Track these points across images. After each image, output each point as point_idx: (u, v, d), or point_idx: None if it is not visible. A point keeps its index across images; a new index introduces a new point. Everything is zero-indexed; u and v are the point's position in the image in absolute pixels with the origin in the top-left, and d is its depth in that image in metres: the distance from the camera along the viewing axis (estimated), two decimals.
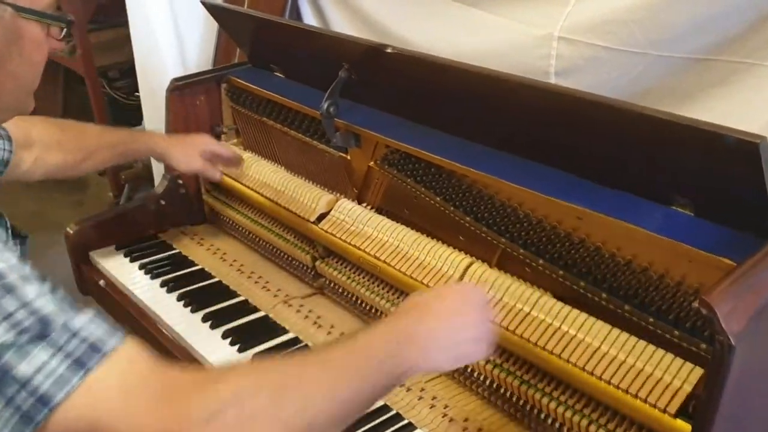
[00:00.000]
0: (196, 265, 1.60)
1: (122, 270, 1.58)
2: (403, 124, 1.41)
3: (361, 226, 1.38)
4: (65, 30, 0.88)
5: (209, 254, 1.65)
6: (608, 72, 1.38)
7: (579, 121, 1.09)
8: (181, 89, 1.70)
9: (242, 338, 1.35)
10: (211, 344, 1.35)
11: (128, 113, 3.38)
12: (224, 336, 1.36)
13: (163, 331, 1.41)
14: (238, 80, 1.69)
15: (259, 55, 1.73)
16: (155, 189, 1.75)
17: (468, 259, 1.23)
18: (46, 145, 1.38)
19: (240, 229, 1.69)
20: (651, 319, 1.04)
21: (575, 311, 1.09)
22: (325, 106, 1.39)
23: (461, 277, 1.22)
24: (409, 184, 1.37)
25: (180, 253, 1.65)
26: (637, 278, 1.06)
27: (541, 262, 1.16)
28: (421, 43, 1.77)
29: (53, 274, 0.72)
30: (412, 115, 1.40)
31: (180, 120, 1.72)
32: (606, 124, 1.06)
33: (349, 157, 1.50)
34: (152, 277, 1.55)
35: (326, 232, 1.42)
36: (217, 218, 1.77)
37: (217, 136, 1.78)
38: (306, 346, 1.34)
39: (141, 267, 1.59)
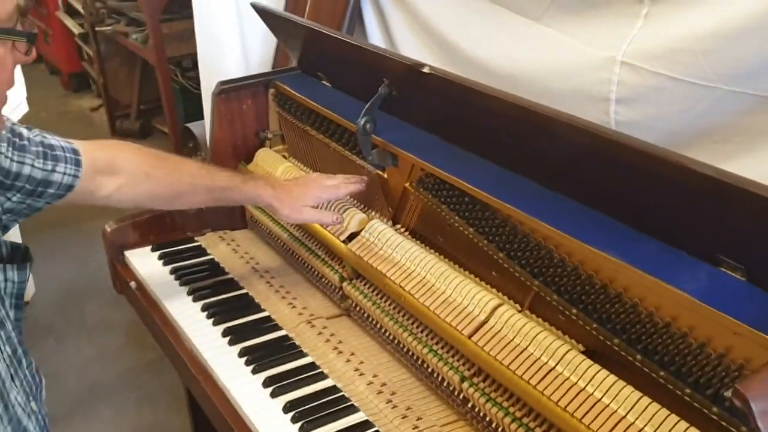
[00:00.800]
0: (227, 273, 1.57)
1: (152, 273, 1.56)
2: (442, 147, 1.33)
3: (390, 251, 1.31)
4: (30, 45, 0.85)
5: (242, 262, 1.62)
6: (672, 104, 1.26)
7: (626, 167, 0.99)
8: (227, 92, 1.67)
9: (258, 358, 1.30)
10: (226, 362, 1.30)
11: (198, 103, 3.42)
12: (240, 354, 1.31)
13: (183, 342, 1.38)
14: (284, 86, 1.65)
15: (307, 62, 1.68)
16: None
17: (496, 300, 1.15)
18: (133, 175, 1.29)
19: (276, 239, 1.64)
20: (687, 390, 0.92)
21: (603, 372, 0.99)
22: (362, 122, 1.32)
23: (487, 319, 1.13)
24: (443, 211, 1.29)
25: (213, 259, 1.62)
26: (675, 343, 0.95)
27: (574, 311, 1.06)
28: (481, 55, 1.68)
29: None
30: (453, 138, 1.32)
31: (225, 124, 1.69)
32: (655, 173, 0.95)
33: (386, 176, 1.43)
34: (181, 284, 1.52)
35: (354, 253, 1.35)
36: (256, 226, 1.73)
37: (262, 142, 1.75)
38: (322, 372, 1.28)
39: (172, 272, 1.56)
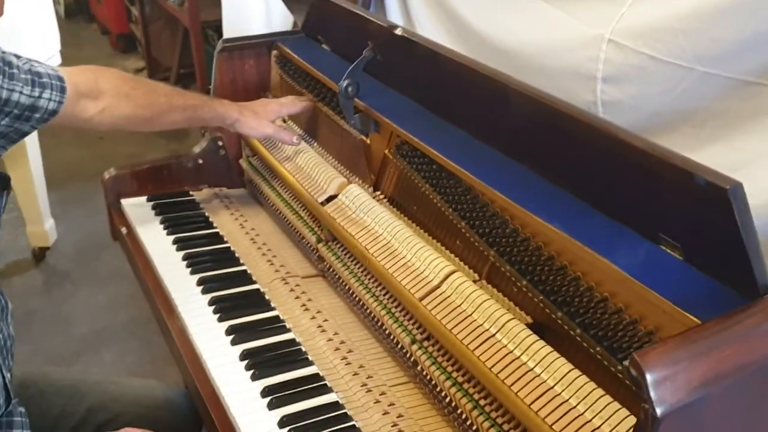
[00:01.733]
0: (214, 228, 1.61)
1: (143, 220, 1.61)
2: (422, 115, 1.34)
3: (361, 215, 1.33)
4: None
5: (231, 219, 1.65)
6: (653, 84, 1.24)
7: (578, 141, 0.98)
8: (230, 51, 1.70)
9: (225, 308, 1.34)
10: (196, 308, 1.35)
11: None
12: (210, 303, 1.35)
13: (160, 285, 1.43)
14: (285, 48, 1.67)
15: (309, 26, 1.70)
16: (194, 148, 1.77)
17: (450, 267, 1.15)
18: (115, 96, 1.37)
19: (266, 198, 1.68)
20: (620, 367, 0.92)
21: (540, 343, 0.99)
22: (344, 85, 1.34)
23: (439, 285, 1.14)
24: (416, 179, 1.30)
25: (203, 213, 1.66)
26: (610, 318, 0.95)
27: (524, 282, 1.07)
28: (486, 29, 1.68)
29: None
30: (431, 105, 1.32)
31: (227, 83, 1.72)
32: (603, 148, 0.94)
33: (369, 141, 1.44)
34: (168, 233, 1.57)
35: (329, 214, 1.37)
36: (251, 185, 1.77)
37: None
38: (284, 326, 1.31)
39: (162, 221, 1.61)
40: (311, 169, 1.50)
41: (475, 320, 1.07)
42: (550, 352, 0.98)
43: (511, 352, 1.01)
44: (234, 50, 1.70)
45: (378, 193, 1.42)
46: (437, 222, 1.27)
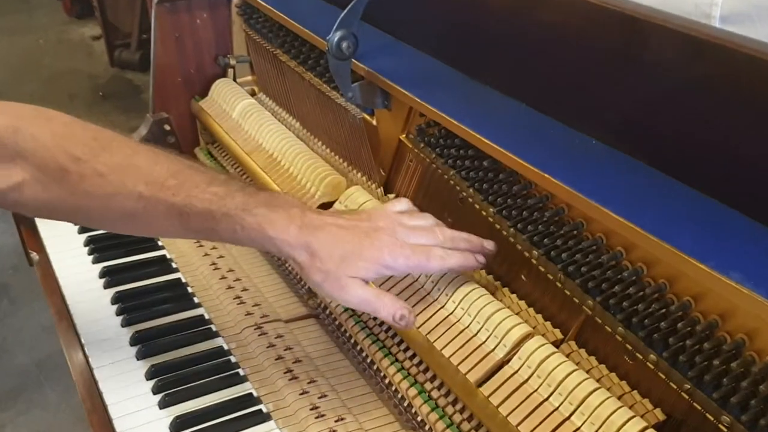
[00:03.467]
0: (160, 248, 1.15)
1: (62, 243, 1.15)
2: (456, 80, 0.89)
3: None
4: None
5: None
6: None
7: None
8: (172, 2, 1.23)
9: (169, 384, 0.89)
10: (130, 384, 0.90)
11: None
12: (150, 375, 0.91)
13: (76, 343, 0.98)
14: None
15: None
16: (132, 134, 1.31)
17: (523, 329, 0.71)
18: (42, 168, 0.76)
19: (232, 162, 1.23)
20: None
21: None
22: (335, 39, 0.88)
23: (508, 357, 0.71)
24: (452, 179, 0.85)
25: None
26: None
27: (653, 356, 0.63)
28: None
29: None
30: (472, 66, 0.87)
31: (170, 45, 1.26)
32: None
33: (374, 121, 0.99)
34: (95, 260, 1.11)
35: None
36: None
37: (224, 71, 1.31)
38: (261, 412, 0.87)
39: (88, 242, 1.15)
40: (291, 162, 1.05)
41: (568, 420, 0.64)
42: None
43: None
44: (180, 0, 1.23)
45: (391, 196, 0.98)
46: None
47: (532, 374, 0.68)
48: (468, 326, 0.75)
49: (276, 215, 0.74)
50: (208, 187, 0.75)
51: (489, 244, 0.78)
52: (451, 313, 0.77)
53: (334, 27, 0.87)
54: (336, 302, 0.91)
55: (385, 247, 0.73)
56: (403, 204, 0.82)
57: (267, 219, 0.73)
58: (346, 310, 0.92)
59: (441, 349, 0.75)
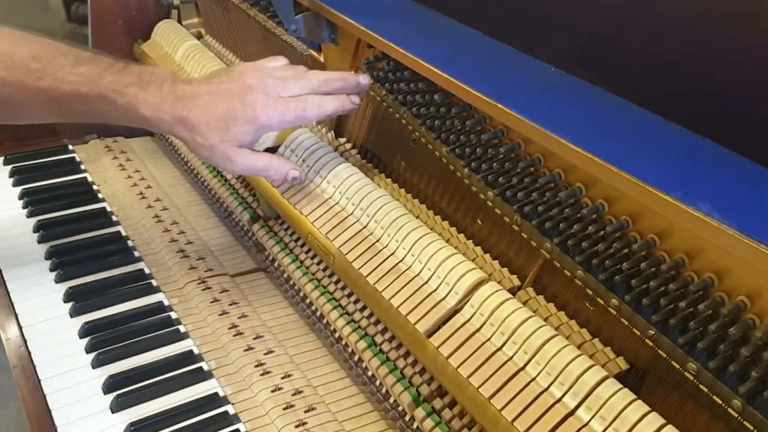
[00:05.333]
0: (100, 200, 1.08)
1: None
2: (409, 10, 0.82)
3: (318, 179, 0.82)
4: None
5: (127, 185, 1.11)
6: None
7: None
8: None
9: (104, 341, 0.83)
10: (63, 341, 0.84)
11: None
12: (83, 333, 0.84)
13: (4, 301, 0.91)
14: None
15: None
16: None
17: (476, 274, 0.66)
18: None
19: (178, 154, 1.15)
20: None
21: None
22: None
23: (460, 305, 0.65)
24: (403, 117, 0.79)
25: (86, 179, 1.13)
26: None
27: (615, 301, 0.58)
28: None
29: None
30: None
31: None
32: None
33: (322, 58, 0.92)
34: (30, 214, 1.04)
35: (265, 181, 0.86)
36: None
37: (167, 11, 1.23)
38: (201, 369, 0.81)
39: (22, 195, 1.08)
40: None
41: (523, 371, 0.59)
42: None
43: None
44: None
45: (342, 141, 0.91)
46: (443, 188, 0.77)
47: (485, 323, 0.62)
48: (419, 274, 0.69)
49: (147, 93, 0.73)
50: (74, 68, 0.73)
51: (364, 79, 0.77)
52: (401, 261, 0.71)
53: None
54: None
55: (258, 105, 0.72)
56: (279, 60, 0.79)
57: (139, 98, 0.73)
58: (294, 261, 0.86)
59: (390, 299, 0.69)
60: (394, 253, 0.72)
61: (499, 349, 0.61)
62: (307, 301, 0.86)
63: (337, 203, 0.79)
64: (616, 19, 0.60)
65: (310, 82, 0.74)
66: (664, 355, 0.55)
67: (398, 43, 0.74)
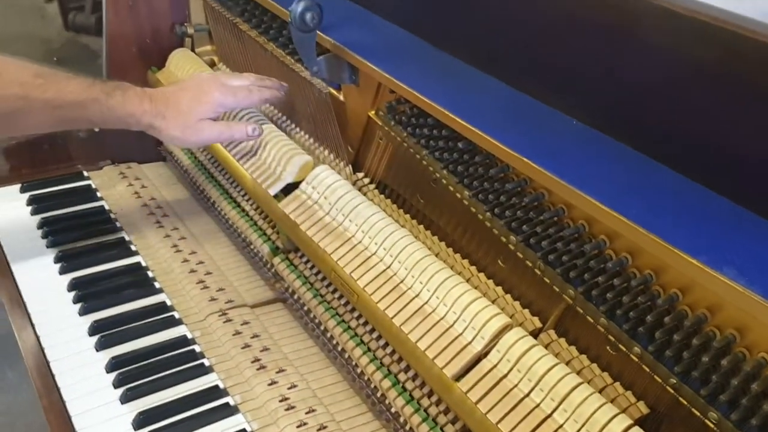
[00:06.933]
0: (118, 230, 1.09)
1: (12, 226, 1.09)
2: (429, 55, 0.84)
3: (339, 215, 0.84)
4: None
5: (144, 214, 1.14)
6: None
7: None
8: None
9: (131, 376, 0.85)
10: (87, 377, 0.86)
11: None
12: (110, 368, 0.86)
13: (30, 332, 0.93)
14: None
15: None
16: None
17: (501, 320, 0.68)
18: None
19: (194, 183, 1.17)
20: None
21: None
22: (299, 9, 0.82)
23: (486, 350, 0.67)
24: (424, 159, 0.81)
25: (103, 206, 1.14)
26: None
27: (637, 349, 0.60)
28: None
29: None
30: (446, 40, 0.82)
31: (124, 13, 1.19)
32: None
33: (341, 97, 0.94)
34: (49, 245, 1.06)
35: (287, 215, 0.88)
36: (172, 157, 1.25)
37: (181, 40, 1.24)
38: (228, 405, 0.83)
39: (41, 225, 1.09)
40: (258, 141, 0.99)
41: (550, 418, 0.61)
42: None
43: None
44: None
45: (360, 176, 0.93)
46: (464, 228, 0.79)
47: (512, 368, 0.65)
48: (444, 317, 0.71)
49: (130, 95, 0.92)
50: (69, 82, 0.90)
51: (284, 83, 0.99)
52: (426, 303, 0.73)
53: None
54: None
55: (215, 90, 0.94)
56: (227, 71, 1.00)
57: (125, 99, 0.92)
58: (315, 297, 0.88)
59: (416, 342, 0.71)
60: (419, 294, 0.74)
61: (527, 395, 0.63)
62: (328, 335, 0.88)
63: (360, 242, 0.81)
64: (638, 86, 0.62)
65: (249, 78, 0.97)
66: (685, 403, 0.58)
67: (421, 90, 0.76)
